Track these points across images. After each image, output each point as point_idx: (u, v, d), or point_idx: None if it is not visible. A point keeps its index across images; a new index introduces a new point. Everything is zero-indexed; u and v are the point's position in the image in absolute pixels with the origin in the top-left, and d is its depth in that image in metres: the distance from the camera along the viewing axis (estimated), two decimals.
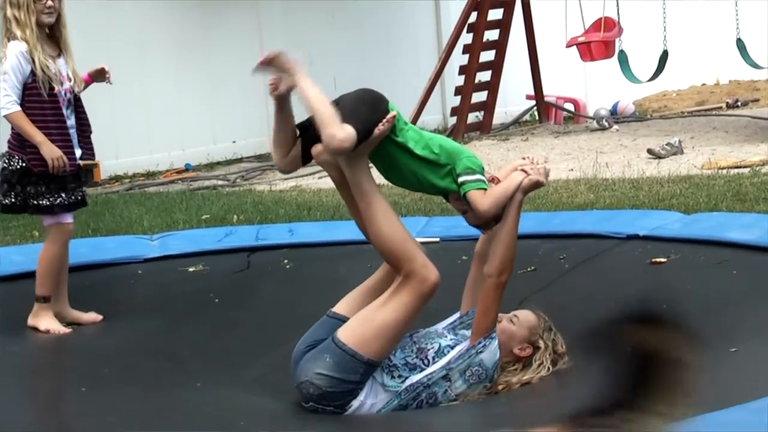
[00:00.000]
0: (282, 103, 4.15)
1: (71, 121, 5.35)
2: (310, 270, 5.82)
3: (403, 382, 3.96)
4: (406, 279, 3.95)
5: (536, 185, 4.18)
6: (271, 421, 3.94)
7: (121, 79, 11.60)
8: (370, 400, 3.94)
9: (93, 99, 11.33)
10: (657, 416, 1.95)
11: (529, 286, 5.12)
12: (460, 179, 4.13)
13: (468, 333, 4.11)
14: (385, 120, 4.04)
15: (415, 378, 3.96)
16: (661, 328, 2.05)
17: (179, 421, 3.90)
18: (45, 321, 5.17)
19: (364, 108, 4.07)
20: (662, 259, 5.28)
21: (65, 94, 5.31)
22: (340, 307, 4.08)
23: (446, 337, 4.11)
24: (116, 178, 11.40)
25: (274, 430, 3.83)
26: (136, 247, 6.32)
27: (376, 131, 4.02)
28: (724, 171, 8.89)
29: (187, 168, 11.83)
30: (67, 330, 5.18)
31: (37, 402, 4.19)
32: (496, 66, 12.60)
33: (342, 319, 4.04)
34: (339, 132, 3.94)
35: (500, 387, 4.03)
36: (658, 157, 10.02)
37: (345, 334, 3.94)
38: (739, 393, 3.56)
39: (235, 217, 8.34)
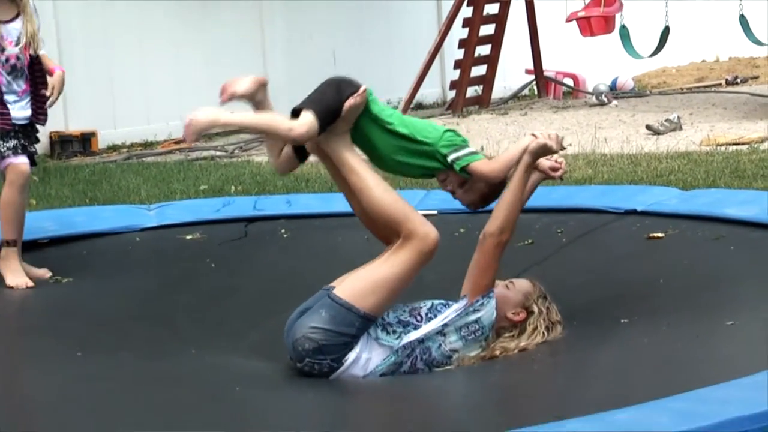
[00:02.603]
0: (257, 106, 4.14)
1: (16, 86, 5.31)
2: (307, 240, 5.83)
3: (398, 338, 3.97)
4: (407, 238, 3.97)
5: (545, 149, 4.16)
6: (266, 388, 3.95)
7: (119, 48, 11.64)
8: (365, 353, 3.95)
9: (91, 68, 11.35)
10: None
11: (527, 259, 5.13)
12: (450, 157, 4.13)
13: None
14: (356, 94, 4.03)
15: (412, 336, 3.97)
16: None
17: (173, 386, 3.91)
18: (10, 274, 5.25)
19: (327, 91, 4.11)
20: (659, 234, 5.29)
21: (7, 59, 5.28)
22: (337, 283, 4.08)
23: (439, 300, 4.12)
24: (114, 148, 11.37)
25: (269, 396, 3.84)
26: (134, 217, 6.32)
27: (347, 105, 4.00)
28: (723, 147, 8.89)
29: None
30: (30, 284, 5.24)
31: (33, 366, 4.18)
32: (496, 40, 12.57)
33: None
34: (294, 124, 3.94)
35: (497, 353, 4.03)
36: (657, 133, 10.02)
37: (341, 290, 3.98)
38: (736, 367, 3.57)
39: (233, 188, 8.33)
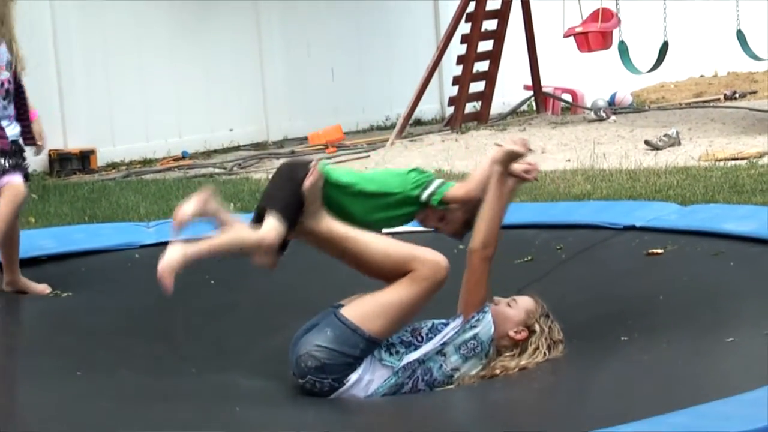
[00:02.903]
0: (215, 218, 4.11)
1: (9, 110, 5.35)
2: (306, 255, 5.80)
3: (400, 359, 3.97)
4: (418, 270, 3.95)
5: (511, 155, 4.15)
6: (267, 407, 3.94)
7: (118, 66, 11.66)
8: (368, 375, 3.95)
9: (90, 86, 11.36)
10: None
11: (526, 275, 5.12)
12: (424, 196, 4.13)
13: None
14: (309, 174, 4.00)
15: (412, 357, 3.97)
16: None
17: (174, 405, 3.89)
18: None
19: (282, 184, 4.08)
20: (659, 250, 5.28)
21: (2, 84, 5.33)
22: (346, 302, 4.07)
23: (439, 319, 4.12)
24: (113, 165, 11.37)
25: (269, 415, 3.83)
26: (133, 234, 6.31)
27: (306, 188, 3.99)
28: (722, 162, 8.90)
29: (184, 156, 11.81)
30: None
31: (32, 384, 4.16)
32: (494, 56, 12.59)
33: None
34: (261, 234, 3.96)
35: (497, 371, 4.03)
36: (656, 148, 10.02)
37: (349, 310, 3.97)
38: (736, 384, 3.56)
39: (232, 205, 8.32)
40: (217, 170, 10.79)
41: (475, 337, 4.01)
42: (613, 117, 12.38)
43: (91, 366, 4.28)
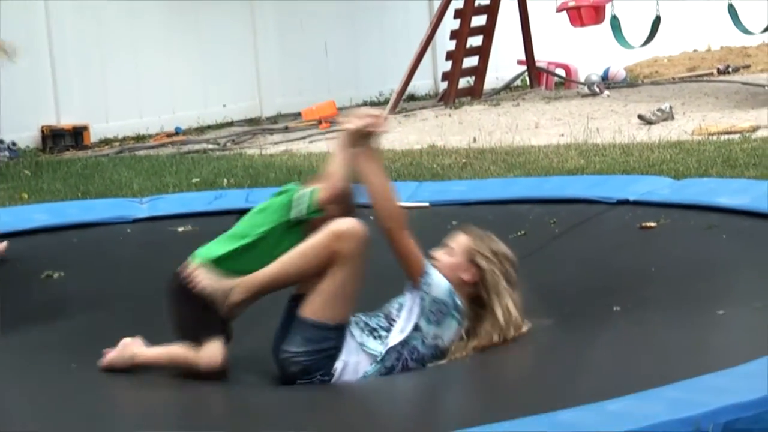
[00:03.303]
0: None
1: None
2: None
3: (383, 343, 3.97)
4: (339, 248, 3.90)
5: (355, 133, 4.04)
6: (259, 392, 3.94)
7: (111, 42, 11.62)
8: (353, 357, 3.94)
9: (83, 62, 11.33)
10: None
11: (519, 250, 5.11)
12: (294, 214, 4.04)
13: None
14: (194, 281, 3.94)
15: (393, 341, 3.96)
16: None
17: (163, 392, 3.90)
18: None
19: (184, 313, 3.99)
20: (652, 224, 5.30)
21: None
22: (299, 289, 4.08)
23: (403, 296, 4.10)
24: (106, 142, 11.36)
25: (263, 400, 3.84)
26: (126, 209, 6.32)
27: (197, 288, 3.94)
28: (715, 137, 8.90)
29: (178, 131, 11.80)
30: None
31: (30, 376, 4.13)
32: (488, 31, 12.56)
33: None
34: (204, 359, 3.92)
35: (485, 341, 4.01)
36: (649, 122, 10.03)
37: (306, 309, 3.95)
38: (728, 357, 3.57)
39: (225, 180, 8.32)
40: (210, 146, 10.77)
41: (434, 300, 3.96)
42: (606, 92, 12.37)
43: (85, 353, 4.23)
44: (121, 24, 11.61)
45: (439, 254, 4.14)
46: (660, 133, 9.33)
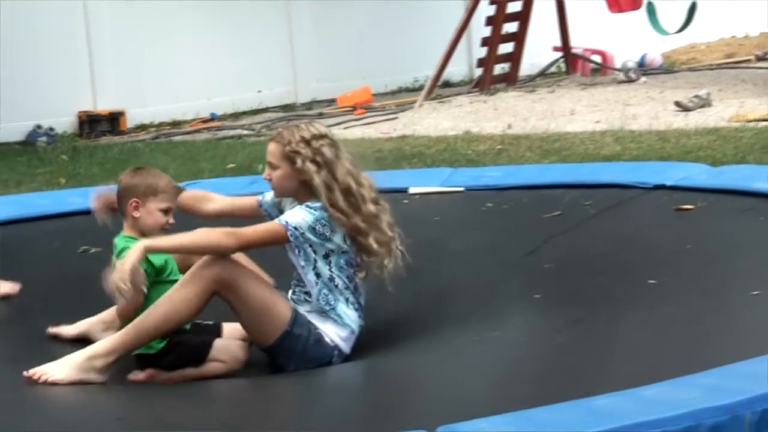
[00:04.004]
0: None
1: None
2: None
3: (319, 299, 3.94)
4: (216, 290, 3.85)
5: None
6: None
7: (147, 28, 11.66)
8: (329, 326, 3.94)
9: (119, 48, 11.38)
10: None
11: (554, 228, 5.15)
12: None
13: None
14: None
15: (316, 293, 3.93)
16: None
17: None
18: None
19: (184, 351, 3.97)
20: (689, 206, 5.30)
21: None
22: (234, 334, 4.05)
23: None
24: (142, 127, 11.41)
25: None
26: None
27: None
28: (752, 123, 8.83)
29: (213, 117, 11.83)
30: None
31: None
32: (524, 17, 12.50)
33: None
34: (232, 362, 3.94)
35: (362, 223, 3.89)
36: (686, 109, 9.96)
37: (260, 340, 3.93)
38: (762, 341, 3.55)
39: (260, 166, 8.32)
40: (245, 132, 10.80)
41: (304, 234, 3.85)
42: (643, 78, 12.29)
43: None
44: (157, 10, 11.65)
45: (266, 174, 4.04)
46: (697, 119, 9.27)
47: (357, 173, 3.98)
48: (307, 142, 3.95)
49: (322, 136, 3.98)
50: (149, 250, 3.79)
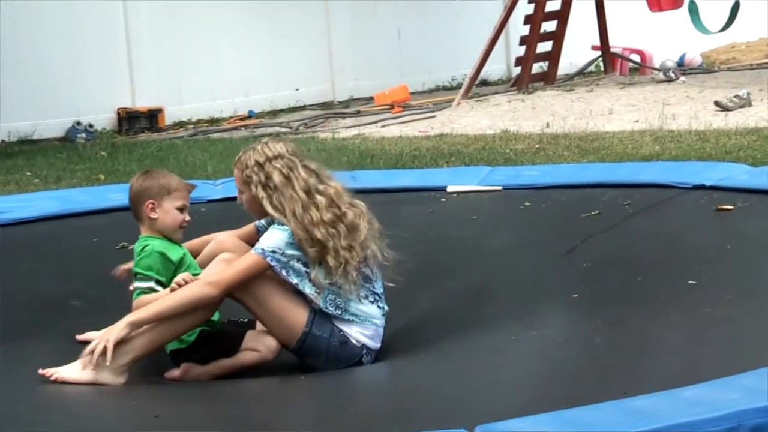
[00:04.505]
0: None
1: None
2: (372, 212, 5.84)
3: (324, 304, 3.92)
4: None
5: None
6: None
7: (186, 26, 11.71)
8: (353, 335, 3.92)
9: (158, 45, 11.43)
10: None
11: (593, 227, 5.12)
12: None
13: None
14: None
15: (316, 299, 3.89)
16: None
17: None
18: None
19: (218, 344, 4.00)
20: (729, 207, 5.26)
21: None
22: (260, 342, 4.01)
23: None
24: (180, 124, 11.47)
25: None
26: (201, 190, 6.35)
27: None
28: None
29: (251, 115, 11.87)
30: None
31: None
32: (562, 16, 12.46)
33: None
34: (266, 352, 3.93)
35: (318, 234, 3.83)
36: (726, 109, 9.88)
37: (284, 342, 3.91)
38: None
39: None
40: (283, 129, 10.83)
41: (284, 252, 3.83)
42: (682, 78, 12.21)
43: None
44: (196, 8, 11.70)
45: (238, 199, 4.04)
46: (737, 119, 9.19)
47: (317, 185, 3.94)
48: (260, 166, 3.94)
49: (276, 157, 3.96)
50: (133, 325, 3.77)
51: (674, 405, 3.03)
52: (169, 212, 4.05)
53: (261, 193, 3.91)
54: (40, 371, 3.77)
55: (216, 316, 4.00)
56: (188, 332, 3.91)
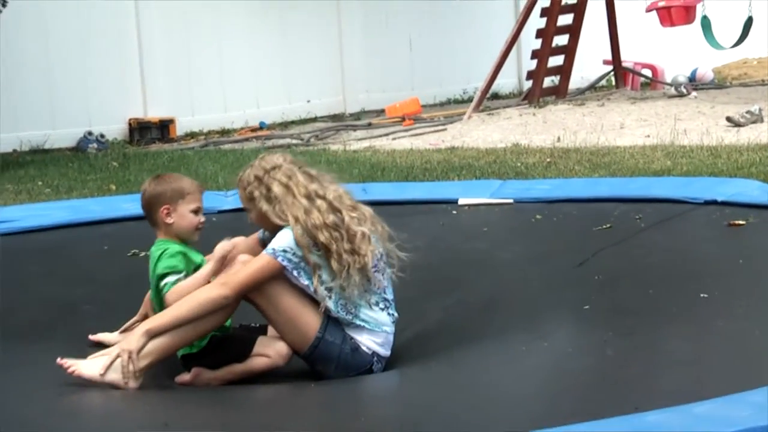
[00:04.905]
0: None
1: None
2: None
3: (345, 311, 3.92)
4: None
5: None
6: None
7: (198, 37, 11.75)
8: (364, 341, 3.93)
9: (170, 56, 11.46)
10: None
11: (604, 240, 5.11)
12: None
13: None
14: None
15: (328, 304, 3.90)
16: None
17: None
18: None
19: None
20: (741, 222, 5.25)
21: None
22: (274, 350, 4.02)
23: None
24: (192, 135, 11.49)
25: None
26: (211, 201, 6.38)
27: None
28: None
29: (262, 126, 11.89)
30: None
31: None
32: (574, 30, 12.46)
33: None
34: (278, 358, 3.94)
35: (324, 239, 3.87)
36: (738, 125, 9.87)
37: (296, 348, 3.92)
38: None
39: None
40: (294, 141, 10.83)
41: (295, 252, 3.85)
42: (693, 93, 12.20)
43: None
44: (208, 20, 11.73)
45: (249, 219, 4.07)
46: (749, 135, 9.18)
47: (317, 191, 3.96)
48: (259, 180, 3.99)
49: (273, 168, 4.00)
50: (151, 333, 3.80)
51: (685, 421, 3.03)
52: (184, 216, 4.07)
53: (265, 206, 3.95)
54: (59, 360, 3.78)
55: (227, 322, 4.01)
56: (202, 337, 3.92)
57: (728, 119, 10.03)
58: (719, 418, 3.02)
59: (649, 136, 9.61)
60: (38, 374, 3.88)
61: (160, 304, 3.99)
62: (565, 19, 12.42)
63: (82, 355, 3.94)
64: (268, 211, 3.94)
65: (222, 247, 4.01)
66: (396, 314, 4.02)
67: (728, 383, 3.32)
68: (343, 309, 3.92)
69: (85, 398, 3.73)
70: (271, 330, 4.07)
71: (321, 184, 4.00)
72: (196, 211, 4.09)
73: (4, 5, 9.78)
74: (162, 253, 4.01)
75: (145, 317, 4.17)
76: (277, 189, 3.95)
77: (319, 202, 3.94)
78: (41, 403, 3.67)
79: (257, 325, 4.10)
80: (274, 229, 4.00)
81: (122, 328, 4.29)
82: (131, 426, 3.56)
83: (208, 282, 3.93)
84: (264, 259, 3.87)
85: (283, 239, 3.89)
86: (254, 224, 4.11)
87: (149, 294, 4.20)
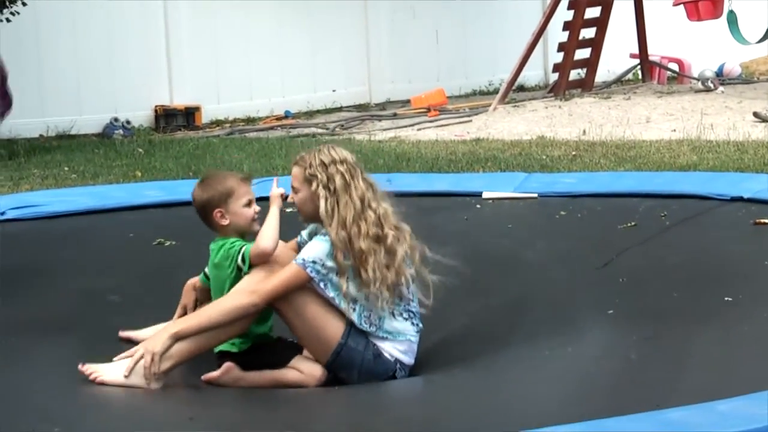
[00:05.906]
0: None
1: None
2: (407, 218, 5.82)
3: (359, 321, 3.93)
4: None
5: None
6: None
7: (224, 25, 11.77)
8: (386, 349, 3.93)
9: (196, 44, 11.49)
10: None
11: (629, 239, 5.08)
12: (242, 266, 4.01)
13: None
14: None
15: (350, 314, 3.90)
16: None
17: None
18: None
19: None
20: (767, 221, 5.22)
21: None
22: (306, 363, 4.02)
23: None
24: (217, 123, 11.52)
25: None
26: None
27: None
28: None
29: (287, 115, 11.90)
30: None
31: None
32: (602, 23, 12.42)
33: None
34: (310, 379, 3.93)
35: (364, 245, 3.87)
36: (765, 120, 9.82)
37: (320, 358, 3.93)
38: None
39: None
40: (319, 130, 10.85)
41: (324, 264, 3.85)
42: (720, 88, 12.14)
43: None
44: (234, 8, 11.75)
45: (291, 197, 4.05)
46: None
47: (371, 200, 3.97)
48: (325, 167, 3.97)
49: (341, 161, 3.99)
50: (176, 337, 3.83)
51: (707, 418, 3.03)
52: (238, 213, 4.07)
53: (321, 192, 3.93)
54: (80, 367, 3.81)
55: (267, 328, 4.02)
56: (230, 340, 3.94)
57: (755, 114, 9.98)
58: (743, 416, 3.02)
59: (675, 130, 9.57)
60: (62, 367, 3.89)
61: (220, 292, 3.99)
62: (592, 12, 12.38)
63: (107, 348, 3.95)
64: (322, 198, 3.93)
65: (275, 193, 4.02)
66: (420, 325, 4.02)
67: (753, 383, 3.31)
68: (367, 321, 3.94)
69: (109, 392, 3.74)
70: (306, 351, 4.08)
71: (375, 195, 4.01)
72: (248, 204, 4.10)
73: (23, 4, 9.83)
74: (229, 246, 4.02)
75: (184, 311, 4.21)
76: (339, 181, 3.94)
77: (369, 212, 3.95)
78: (64, 397, 3.69)
79: (296, 340, 4.10)
80: (312, 216, 4.00)
81: (151, 328, 4.26)
82: (156, 419, 3.57)
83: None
84: (293, 269, 3.88)
85: (315, 249, 3.90)
86: (293, 207, 4.07)
87: (189, 283, 4.21)
